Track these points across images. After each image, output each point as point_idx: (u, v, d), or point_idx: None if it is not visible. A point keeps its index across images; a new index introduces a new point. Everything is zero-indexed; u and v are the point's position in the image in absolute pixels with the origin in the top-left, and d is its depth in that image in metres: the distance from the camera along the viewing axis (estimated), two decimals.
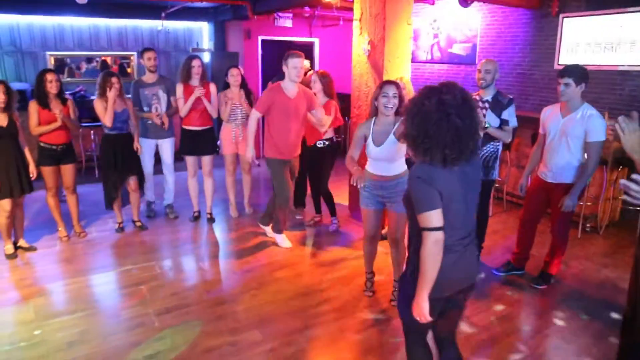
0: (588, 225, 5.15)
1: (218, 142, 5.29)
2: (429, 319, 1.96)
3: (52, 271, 4.07)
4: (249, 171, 5.35)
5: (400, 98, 3.25)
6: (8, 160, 4.07)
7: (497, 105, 3.81)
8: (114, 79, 4.41)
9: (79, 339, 3.10)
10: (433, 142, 1.85)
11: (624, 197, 1.81)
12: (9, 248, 4.30)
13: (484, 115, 3.82)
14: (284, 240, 4.57)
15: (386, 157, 3.26)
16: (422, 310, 1.94)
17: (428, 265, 1.88)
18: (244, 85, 4.98)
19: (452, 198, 1.91)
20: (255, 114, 4.15)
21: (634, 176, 1.73)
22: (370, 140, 3.30)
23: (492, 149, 3.88)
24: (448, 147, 1.84)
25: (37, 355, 2.93)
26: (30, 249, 4.46)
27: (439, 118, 1.83)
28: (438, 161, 1.87)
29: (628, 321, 2.38)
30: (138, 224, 4.99)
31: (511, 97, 3.87)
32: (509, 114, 3.79)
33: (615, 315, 3.44)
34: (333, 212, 5.03)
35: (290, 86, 4.11)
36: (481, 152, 3.89)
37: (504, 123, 3.80)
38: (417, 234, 1.95)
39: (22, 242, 4.46)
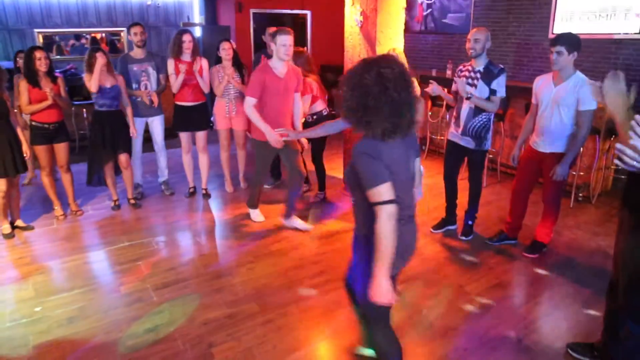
0: (580, 194, 5.20)
1: (212, 118, 5.26)
2: (394, 298, 1.92)
3: (50, 249, 4.11)
4: (243, 146, 5.34)
5: None
6: (1, 140, 4.05)
7: (489, 75, 3.80)
8: (98, 54, 4.37)
9: (79, 315, 3.15)
10: (373, 116, 1.84)
11: (616, 161, 1.82)
12: (6, 228, 4.32)
13: (475, 86, 3.82)
14: (258, 215, 4.61)
15: None
16: (385, 291, 1.87)
17: (385, 241, 1.83)
18: (236, 59, 4.93)
19: (398, 170, 1.92)
20: (250, 101, 3.92)
21: (633, 141, 1.73)
22: None
23: (484, 120, 3.89)
24: (387, 121, 1.84)
25: (39, 331, 2.98)
26: (28, 228, 4.48)
27: (378, 92, 1.82)
28: (378, 135, 1.86)
29: (613, 286, 2.44)
30: (132, 201, 5.00)
31: (502, 66, 3.85)
32: (498, 84, 3.78)
33: (604, 283, 3.51)
34: (321, 186, 5.08)
35: (279, 65, 3.98)
36: (472, 122, 3.89)
37: (492, 93, 3.79)
38: (365, 213, 1.92)
39: (19, 222, 4.48)
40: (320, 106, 4.79)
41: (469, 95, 3.78)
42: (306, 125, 4.64)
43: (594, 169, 5.06)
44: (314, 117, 4.75)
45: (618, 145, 1.76)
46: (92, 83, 4.38)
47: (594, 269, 3.77)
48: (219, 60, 4.90)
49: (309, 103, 4.66)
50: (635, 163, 1.73)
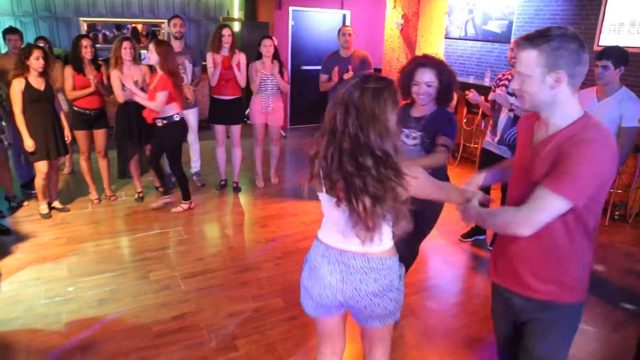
0: (617, 212, 5.05)
1: (247, 112, 5.32)
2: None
3: (84, 232, 4.23)
4: (277, 142, 5.38)
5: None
6: (45, 123, 4.18)
7: None
8: (125, 43, 4.44)
9: (110, 297, 3.24)
10: None
11: None
12: (44, 208, 4.47)
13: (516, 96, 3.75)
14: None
15: None
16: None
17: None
18: (276, 56, 4.97)
19: None
20: None
21: None
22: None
23: None
24: None
25: (70, 310, 3.08)
26: (64, 209, 4.62)
27: None
28: None
29: None
30: (161, 189, 5.04)
31: None
32: None
33: (637, 306, 3.41)
34: (185, 196, 4.72)
35: None
36: (510, 132, 3.82)
37: None
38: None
39: (56, 203, 4.62)
40: (174, 110, 4.40)
41: (512, 108, 3.71)
42: (157, 128, 4.40)
43: (632, 188, 4.92)
44: (164, 122, 4.37)
45: None
46: (118, 96, 4.50)
47: (627, 290, 3.66)
48: (259, 56, 4.94)
49: (163, 102, 4.25)
50: None
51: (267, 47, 4.85)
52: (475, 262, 3.99)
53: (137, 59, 4.60)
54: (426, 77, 2.63)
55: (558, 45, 1.51)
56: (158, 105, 4.21)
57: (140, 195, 4.99)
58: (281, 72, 4.97)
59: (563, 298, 1.71)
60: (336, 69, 4.72)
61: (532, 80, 1.58)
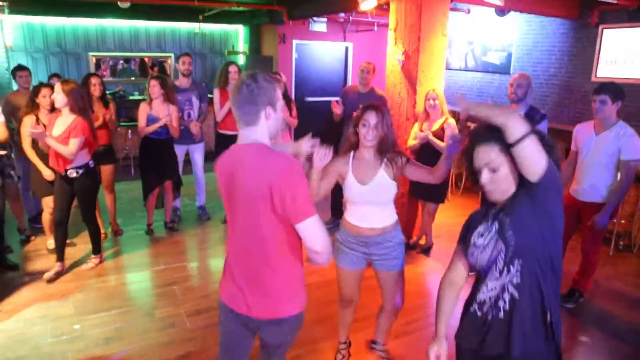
0: (621, 242, 5.06)
1: None
2: None
3: (90, 268, 4.26)
4: None
5: (386, 127, 2.55)
6: None
7: (530, 121, 3.78)
8: (152, 82, 4.59)
9: (115, 336, 3.25)
10: None
11: None
12: (51, 243, 4.51)
13: None
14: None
15: (374, 200, 2.63)
16: None
17: None
18: (285, 94, 5.05)
19: None
20: None
21: None
22: (351, 177, 2.61)
23: None
24: None
25: (77, 349, 3.10)
26: (70, 244, 4.66)
27: None
28: None
29: None
30: (170, 225, 5.15)
31: (544, 112, 3.85)
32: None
33: None
34: (95, 250, 4.33)
35: None
36: None
37: None
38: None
39: None
40: (85, 157, 3.96)
41: None
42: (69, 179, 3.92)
43: (636, 217, 4.93)
44: (79, 171, 3.92)
45: None
46: (143, 131, 4.64)
47: (633, 323, 3.64)
48: None
49: (78, 148, 3.78)
50: None
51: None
52: None
53: (167, 98, 4.70)
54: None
55: None
56: (73, 152, 3.74)
57: (151, 228, 5.05)
58: (289, 108, 5.05)
59: None
60: (333, 102, 4.83)
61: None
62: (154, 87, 4.59)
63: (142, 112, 4.61)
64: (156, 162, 4.74)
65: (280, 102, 1.92)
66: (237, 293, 1.92)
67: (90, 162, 4.00)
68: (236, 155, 1.90)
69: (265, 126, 1.86)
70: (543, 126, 3.78)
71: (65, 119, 3.81)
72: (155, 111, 4.62)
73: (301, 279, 1.97)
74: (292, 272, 1.91)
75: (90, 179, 4.05)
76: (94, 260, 4.31)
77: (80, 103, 3.82)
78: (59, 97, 3.74)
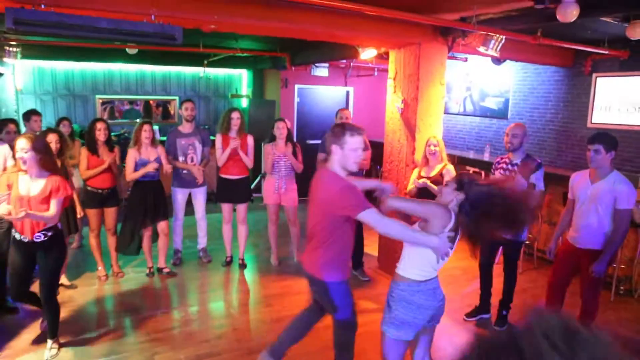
0: (622, 287, 5.05)
1: (255, 192, 5.45)
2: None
3: (90, 311, 4.27)
4: (294, 222, 5.44)
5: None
6: None
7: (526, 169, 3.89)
8: (145, 127, 4.72)
9: None
10: None
11: None
12: None
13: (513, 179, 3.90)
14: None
15: None
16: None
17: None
18: (290, 137, 5.17)
19: None
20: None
21: None
22: None
23: None
24: None
25: None
26: (71, 286, 4.68)
27: None
28: None
29: None
30: (166, 270, 5.10)
31: (540, 161, 3.94)
32: (537, 178, 3.86)
33: None
34: (53, 331, 3.54)
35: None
36: None
37: (531, 187, 3.86)
38: None
39: (63, 280, 4.68)
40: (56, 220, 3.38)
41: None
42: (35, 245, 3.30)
43: (635, 262, 4.94)
44: (49, 233, 3.32)
45: None
46: (131, 176, 4.73)
47: None
48: (272, 139, 5.16)
49: (60, 210, 3.34)
50: None
51: (280, 130, 5.07)
52: None
53: (155, 141, 4.84)
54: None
55: None
56: (56, 215, 3.27)
57: (151, 270, 5.06)
58: (294, 153, 5.16)
59: None
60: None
61: None
62: (148, 131, 4.71)
63: (131, 157, 4.71)
64: (148, 204, 4.78)
65: (348, 144, 2.64)
66: None
67: (59, 224, 3.47)
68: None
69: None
70: (539, 174, 3.86)
71: (35, 179, 3.29)
72: (145, 155, 4.72)
73: None
74: None
75: (61, 242, 3.51)
76: (53, 347, 3.51)
77: (54, 157, 3.51)
78: (29, 155, 3.17)
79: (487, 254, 4.23)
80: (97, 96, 8.31)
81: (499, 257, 4.49)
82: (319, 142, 8.89)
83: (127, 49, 6.91)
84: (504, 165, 4.01)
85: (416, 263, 2.54)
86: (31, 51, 6.87)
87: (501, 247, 4.18)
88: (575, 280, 3.97)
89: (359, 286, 4.93)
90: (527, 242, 5.54)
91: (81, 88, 8.19)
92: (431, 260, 2.50)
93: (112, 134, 5.11)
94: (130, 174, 4.71)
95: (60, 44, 6.62)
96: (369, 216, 2.53)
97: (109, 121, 8.06)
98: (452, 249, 2.53)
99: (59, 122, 5.56)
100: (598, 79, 6.03)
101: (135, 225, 4.81)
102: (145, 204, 4.78)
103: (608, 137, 3.53)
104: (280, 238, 5.69)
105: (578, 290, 3.88)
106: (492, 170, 4.13)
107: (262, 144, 5.18)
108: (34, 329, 3.90)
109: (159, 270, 5.13)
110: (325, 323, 3.21)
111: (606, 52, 5.45)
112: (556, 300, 3.97)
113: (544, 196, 5.74)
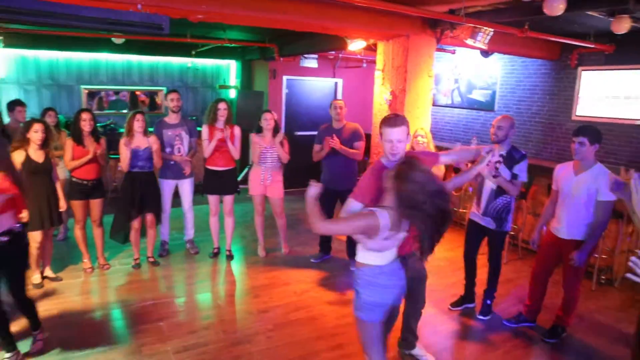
0: (603, 277, 5.15)
1: (242, 184, 5.45)
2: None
3: (76, 303, 4.23)
4: (281, 214, 5.46)
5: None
6: (41, 194, 4.27)
7: (511, 160, 3.93)
8: (138, 116, 4.69)
9: None
10: None
11: (629, 275, 1.88)
12: (37, 278, 4.49)
13: (497, 169, 3.94)
14: None
15: None
16: None
17: None
18: (276, 129, 5.16)
19: None
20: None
21: None
22: None
23: (505, 201, 3.98)
24: None
25: None
26: (56, 279, 4.64)
27: None
28: None
29: None
30: (151, 259, 5.13)
31: (524, 152, 3.98)
32: (520, 169, 3.90)
33: None
34: (35, 324, 3.50)
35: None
36: (494, 204, 3.99)
37: (514, 177, 3.91)
38: None
39: (48, 272, 4.65)
40: (10, 221, 3.12)
41: (496, 174, 3.88)
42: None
43: (616, 252, 5.04)
44: (6, 237, 3.09)
45: (633, 259, 1.83)
46: (123, 166, 4.72)
47: (616, 357, 3.69)
48: (259, 130, 5.15)
49: None
50: None
51: (267, 121, 5.07)
52: (465, 332, 4.02)
53: (147, 131, 4.81)
54: None
55: None
56: None
57: (137, 262, 5.04)
58: (281, 144, 5.15)
59: None
60: (327, 138, 4.92)
61: None
62: (141, 120, 4.68)
63: (124, 147, 4.68)
64: (140, 195, 4.77)
65: (383, 135, 2.70)
66: None
67: (18, 226, 3.18)
68: None
69: None
70: (523, 165, 3.91)
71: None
72: (137, 145, 4.70)
73: None
74: None
75: (22, 245, 3.28)
76: (39, 340, 3.50)
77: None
78: None
79: (472, 245, 4.28)
80: (83, 86, 8.19)
81: (484, 248, 4.54)
82: (307, 133, 8.99)
83: (113, 39, 6.82)
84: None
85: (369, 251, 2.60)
86: (14, 40, 6.74)
87: (486, 238, 4.23)
88: (558, 270, 4.05)
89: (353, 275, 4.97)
90: (511, 232, 5.61)
91: (66, 78, 8.06)
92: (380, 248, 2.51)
93: (98, 124, 5.05)
94: (125, 162, 4.69)
95: (44, 32, 6.50)
96: (345, 204, 2.73)
97: (95, 112, 8.07)
98: (399, 240, 2.53)
99: (44, 112, 5.50)
100: (583, 72, 6.10)
101: (125, 214, 4.81)
102: (134, 195, 4.77)
103: (593, 130, 3.58)
104: (268, 229, 5.70)
105: (560, 280, 3.96)
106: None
107: (249, 135, 5.16)
108: (18, 322, 3.86)
109: (147, 258, 5.14)
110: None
111: (592, 46, 5.51)
112: (539, 290, 4.05)
113: (529, 187, 5.82)
